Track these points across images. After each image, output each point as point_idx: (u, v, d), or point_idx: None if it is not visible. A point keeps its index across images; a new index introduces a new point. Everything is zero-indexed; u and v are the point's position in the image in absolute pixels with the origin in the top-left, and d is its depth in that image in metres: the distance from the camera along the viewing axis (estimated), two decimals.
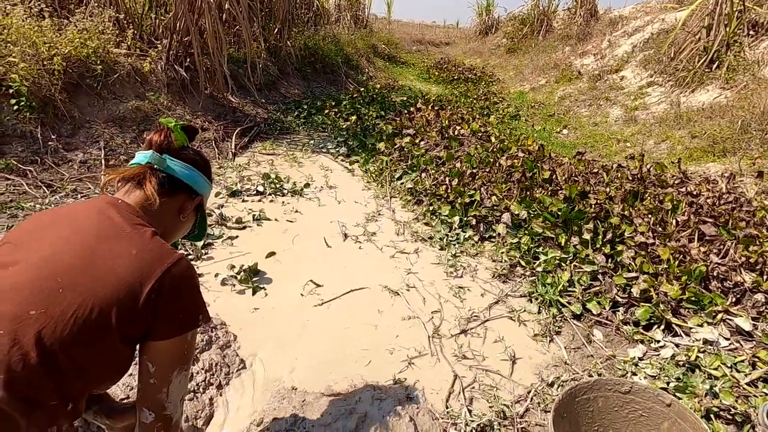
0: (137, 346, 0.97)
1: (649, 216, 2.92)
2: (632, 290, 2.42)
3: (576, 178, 3.60)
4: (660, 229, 2.88)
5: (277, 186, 3.86)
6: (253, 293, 2.48)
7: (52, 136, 3.58)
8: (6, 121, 3.40)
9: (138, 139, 4.15)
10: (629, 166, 3.78)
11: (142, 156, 1.05)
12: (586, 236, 2.86)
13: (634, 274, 2.49)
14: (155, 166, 1.04)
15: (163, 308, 0.90)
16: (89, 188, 3.32)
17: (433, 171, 4.01)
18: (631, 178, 3.52)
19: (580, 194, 3.31)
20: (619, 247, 2.74)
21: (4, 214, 2.76)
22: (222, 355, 1.99)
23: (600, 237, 2.86)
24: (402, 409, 1.74)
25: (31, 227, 0.94)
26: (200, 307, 0.99)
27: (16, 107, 3.43)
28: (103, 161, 3.65)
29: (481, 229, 3.28)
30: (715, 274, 2.43)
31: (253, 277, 2.58)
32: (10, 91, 3.41)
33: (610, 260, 2.70)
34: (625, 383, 1.29)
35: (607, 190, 3.34)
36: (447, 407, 1.84)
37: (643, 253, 2.63)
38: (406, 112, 5.95)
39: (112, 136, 3.97)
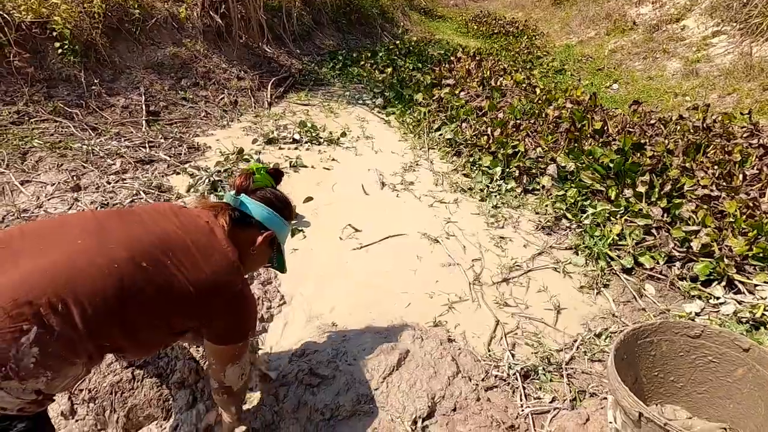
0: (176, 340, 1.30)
1: (715, 167, 2.68)
2: (692, 245, 2.25)
3: (631, 130, 3.34)
4: (724, 183, 2.65)
5: (313, 135, 3.80)
6: (292, 235, 2.48)
7: (95, 81, 3.61)
8: (52, 64, 3.45)
9: (176, 86, 4.14)
10: (691, 117, 3.47)
11: (226, 195, 1.25)
12: (641, 189, 2.66)
13: (694, 228, 2.31)
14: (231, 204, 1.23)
15: (222, 317, 1.10)
16: (131, 132, 3.36)
17: (474, 122, 3.83)
18: (693, 130, 3.23)
19: (635, 146, 3.07)
20: (677, 201, 2.54)
21: (54, 153, 2.84)
22: (263, 290, 2.00)
23: (656, 190, 2.66)
24: (443, 349, 1.71)
25: (158, 208, 1.13)
26: (252, 326, 1.20)
27: (60, 51, 3.46)
28: (143, 107, 3.68)
29: (525, 181, 3.13)
30: None
31: None
32: (54, 34, 3.43)
33: (666, 214, 2.52)
34: (696, 326, 1.19)
35: (666, 141, 3.08)
36: (489, 351, 1.80)
37: (705, 206, 2.44)
38: (445, 63, 5.67)
39: (152, 83, 3.98)
